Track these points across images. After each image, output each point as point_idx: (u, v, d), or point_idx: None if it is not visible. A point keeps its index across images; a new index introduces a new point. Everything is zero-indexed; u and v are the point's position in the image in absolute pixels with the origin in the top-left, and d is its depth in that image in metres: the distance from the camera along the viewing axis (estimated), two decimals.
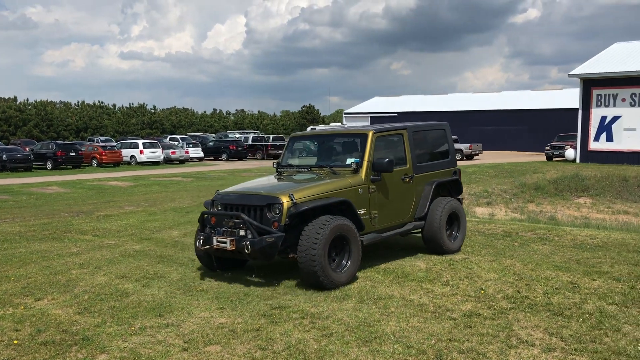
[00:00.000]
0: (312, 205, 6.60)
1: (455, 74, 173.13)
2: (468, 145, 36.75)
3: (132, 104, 72.82)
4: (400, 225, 7.95)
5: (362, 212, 7.15)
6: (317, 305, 5.88)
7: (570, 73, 28.19)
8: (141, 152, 36.10)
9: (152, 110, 73.34)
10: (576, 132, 28.45)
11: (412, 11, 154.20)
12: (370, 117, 58.42)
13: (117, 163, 34.95)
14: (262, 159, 43.15)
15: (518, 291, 6.29)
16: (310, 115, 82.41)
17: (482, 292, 6.28)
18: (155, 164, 36.30)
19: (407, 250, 8.60)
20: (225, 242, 6.62)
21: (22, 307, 6.04)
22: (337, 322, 5.37)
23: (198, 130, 69.05)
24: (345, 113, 63.78)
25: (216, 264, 7.33)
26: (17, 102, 63.05)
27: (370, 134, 7.55)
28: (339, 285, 6.52)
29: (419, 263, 7.69)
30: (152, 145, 37.06)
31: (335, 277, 6.50)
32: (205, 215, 7.16)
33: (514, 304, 5.85)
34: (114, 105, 71.76)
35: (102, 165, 34.46)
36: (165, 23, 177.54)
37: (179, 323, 5.44)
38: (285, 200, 6.55)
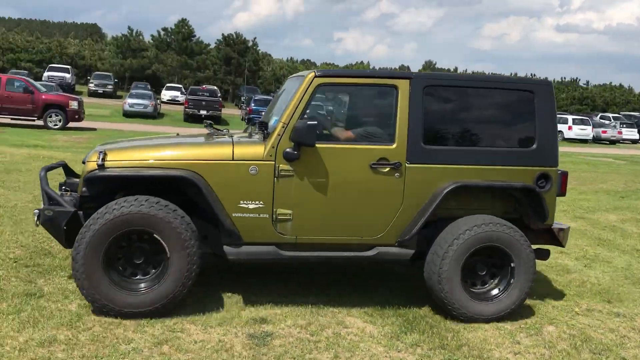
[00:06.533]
0: (128, 174, 4.36)
1: None
2: None
3: (564, 78, 70.40)
4: (346, 246, 4.66)
5: (253, 207, 4.47)
6: None
7: None
8: (569, 128, 34.88)
9: (584, 86, 69.47)
10: None
11: None
12: None
13: None
14: None
15: None
16: None
17: None
18: (582, 141, 34.64)
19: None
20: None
21: None
22: None
23: (634, 110, 62.40)
24: None
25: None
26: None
27: (309, 77, 4.54)
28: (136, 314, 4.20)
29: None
30: (582, 122, 35.38)
31: (127, 301, 4.18)
32: None
33: None
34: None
35: None
36: None
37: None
38: (93, 160, 4.40)
